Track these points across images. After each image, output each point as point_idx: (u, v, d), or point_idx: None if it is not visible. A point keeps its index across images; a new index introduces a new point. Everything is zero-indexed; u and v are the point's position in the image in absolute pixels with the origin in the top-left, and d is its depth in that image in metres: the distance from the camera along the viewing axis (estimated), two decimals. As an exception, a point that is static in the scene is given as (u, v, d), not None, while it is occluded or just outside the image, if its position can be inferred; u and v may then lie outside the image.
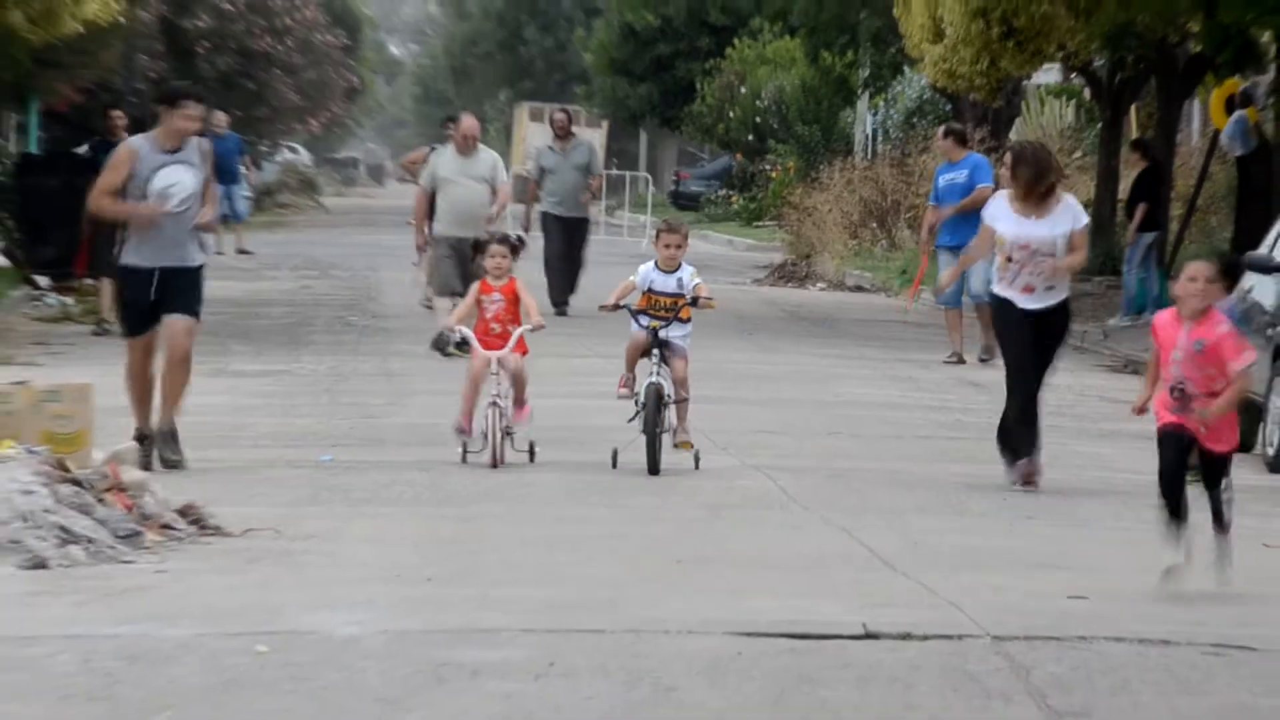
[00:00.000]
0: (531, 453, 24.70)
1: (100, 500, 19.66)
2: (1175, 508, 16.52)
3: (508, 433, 24.54)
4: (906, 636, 17.07)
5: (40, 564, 18.61)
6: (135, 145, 23.16)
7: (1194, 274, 15.81)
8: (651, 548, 20.50)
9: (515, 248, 26.20)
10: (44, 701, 14.73)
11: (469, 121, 37.88)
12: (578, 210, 43.65)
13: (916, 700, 15.32)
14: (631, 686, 15.24)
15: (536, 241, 46.50)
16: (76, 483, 19.67)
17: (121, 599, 17.76)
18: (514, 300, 24.97)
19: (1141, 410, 18.76)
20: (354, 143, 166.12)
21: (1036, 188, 23.67)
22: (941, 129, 43.12)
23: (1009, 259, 23.49)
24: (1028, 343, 24.17)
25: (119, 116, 41.41)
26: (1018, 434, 24.00)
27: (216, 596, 18.14)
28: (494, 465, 24.26)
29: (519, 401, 24.88)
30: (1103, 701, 15.30)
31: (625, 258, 52.87)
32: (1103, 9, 48.02)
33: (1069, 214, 23.87)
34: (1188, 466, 16.85)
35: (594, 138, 49.70)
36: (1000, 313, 24.06)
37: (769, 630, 16.95)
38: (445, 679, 15.42)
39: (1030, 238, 23.41)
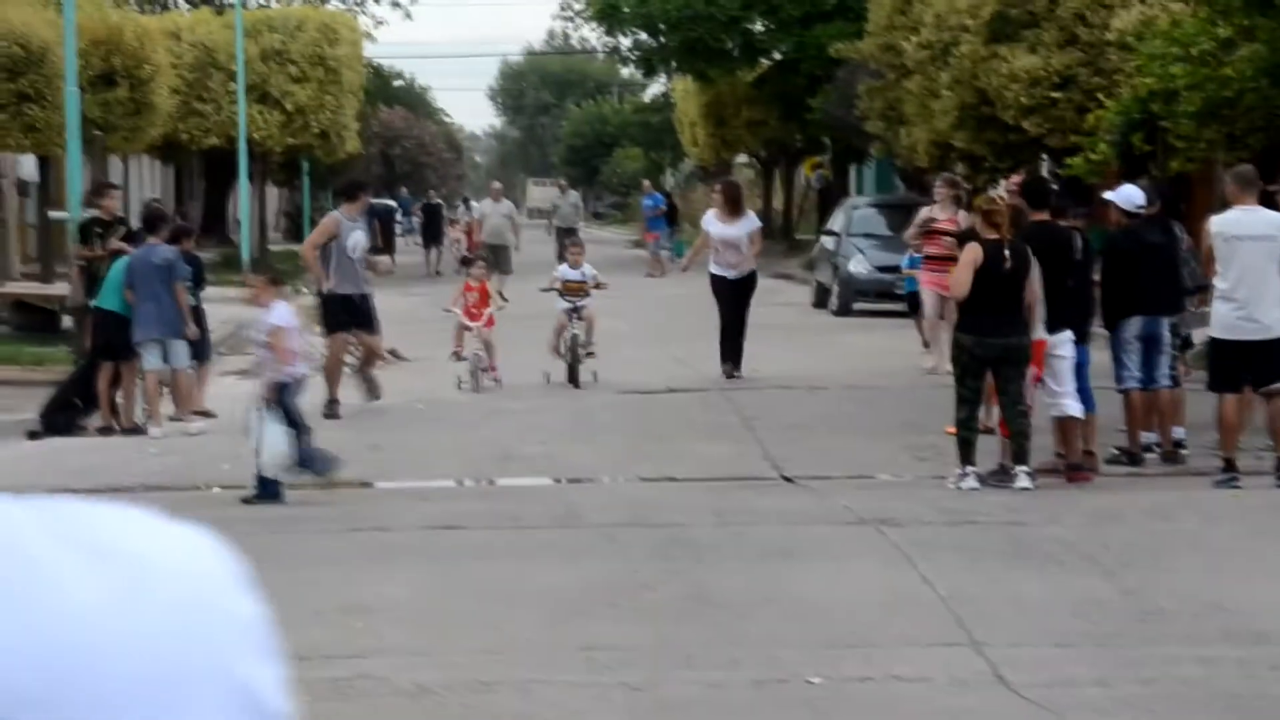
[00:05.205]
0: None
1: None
2: None
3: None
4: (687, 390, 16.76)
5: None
6: (337, 216, 15.75)
7: None
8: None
9: (487, 261, 19.54)
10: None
11: (496, 185, 35.92)
12: None
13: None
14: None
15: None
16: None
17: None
18: (486, 294, 17.25)
19: None
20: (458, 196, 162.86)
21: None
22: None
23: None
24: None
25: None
26: (725, 349, 17.57)
27: (402, 384, 17.08)
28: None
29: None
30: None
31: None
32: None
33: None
34: None
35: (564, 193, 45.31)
36: None
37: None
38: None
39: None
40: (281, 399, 11.25)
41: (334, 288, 15.41)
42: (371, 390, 15.67)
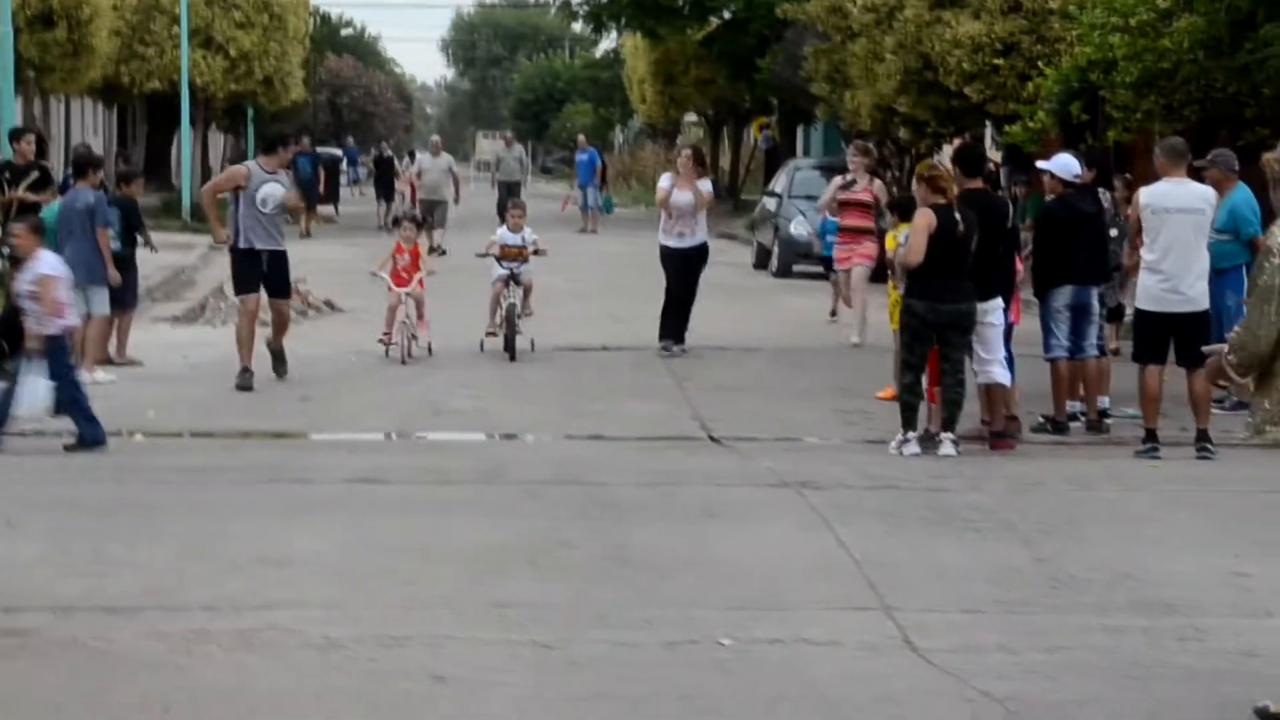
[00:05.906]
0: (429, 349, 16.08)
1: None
2: None
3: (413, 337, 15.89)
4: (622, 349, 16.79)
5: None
6: (249, 167, 14.50)
7: None
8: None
9: (419, 223, 18.51)
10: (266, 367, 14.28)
11: (436, 139, 34.80)
12: None
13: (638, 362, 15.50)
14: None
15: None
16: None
17: (300, 335, 16.36)
18: (417, 256, 16.20)
19: None
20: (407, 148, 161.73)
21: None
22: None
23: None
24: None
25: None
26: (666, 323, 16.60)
27: (335, 335, 17.41)
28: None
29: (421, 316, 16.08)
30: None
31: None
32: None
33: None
34: None
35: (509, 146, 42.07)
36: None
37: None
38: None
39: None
40: (50, 350, 10.90)
41: (240, 242, 14.16)
42: (278, 366, 14.44)
